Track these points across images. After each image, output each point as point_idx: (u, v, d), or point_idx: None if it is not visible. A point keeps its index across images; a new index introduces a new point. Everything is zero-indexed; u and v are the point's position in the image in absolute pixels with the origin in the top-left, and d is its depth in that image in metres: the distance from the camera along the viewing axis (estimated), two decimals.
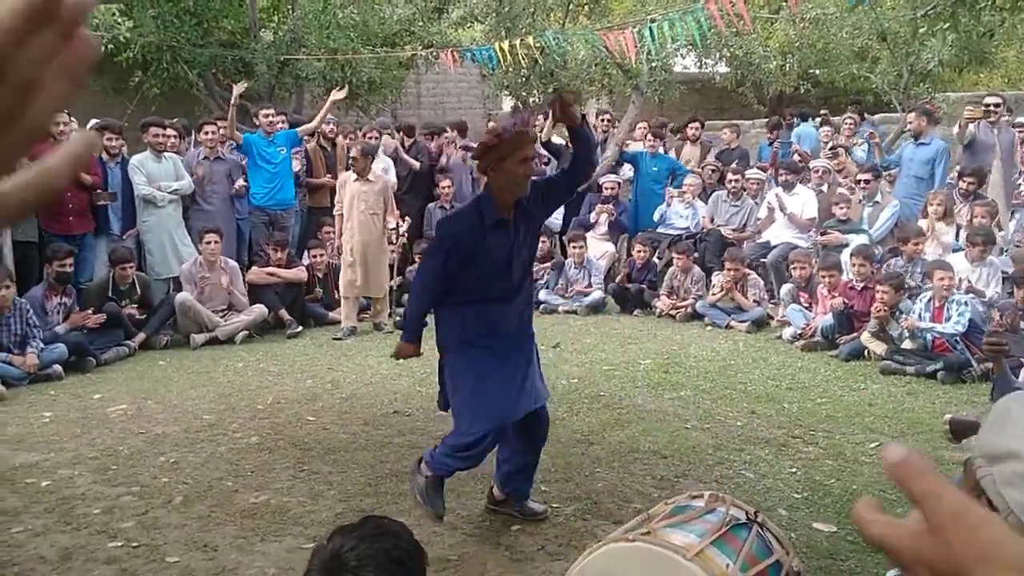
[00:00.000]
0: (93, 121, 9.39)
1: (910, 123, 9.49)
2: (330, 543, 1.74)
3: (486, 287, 3.72)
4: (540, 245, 9.53)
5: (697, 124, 11.38)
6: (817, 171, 9.78)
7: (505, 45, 8.92)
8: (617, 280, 9.44)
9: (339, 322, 8.44)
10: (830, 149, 10.23)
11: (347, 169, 8.83)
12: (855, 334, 7.21)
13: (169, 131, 9.01)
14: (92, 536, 3.96)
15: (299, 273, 8.76)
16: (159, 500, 4.36)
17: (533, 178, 3.74)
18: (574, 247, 9.50)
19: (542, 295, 9.44)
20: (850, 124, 11.01)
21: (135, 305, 8.03)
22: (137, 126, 9.62)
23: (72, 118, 8.90)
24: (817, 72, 15.93)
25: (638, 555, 2.06)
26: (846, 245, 8.58)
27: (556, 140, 11.28)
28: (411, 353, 3.97)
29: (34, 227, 8.25)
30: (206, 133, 9.14)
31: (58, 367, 7.01)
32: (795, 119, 12.63)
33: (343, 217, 8.33)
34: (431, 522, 3.84)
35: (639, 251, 9.40)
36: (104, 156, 8.70)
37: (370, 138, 10.55)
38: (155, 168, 8.67)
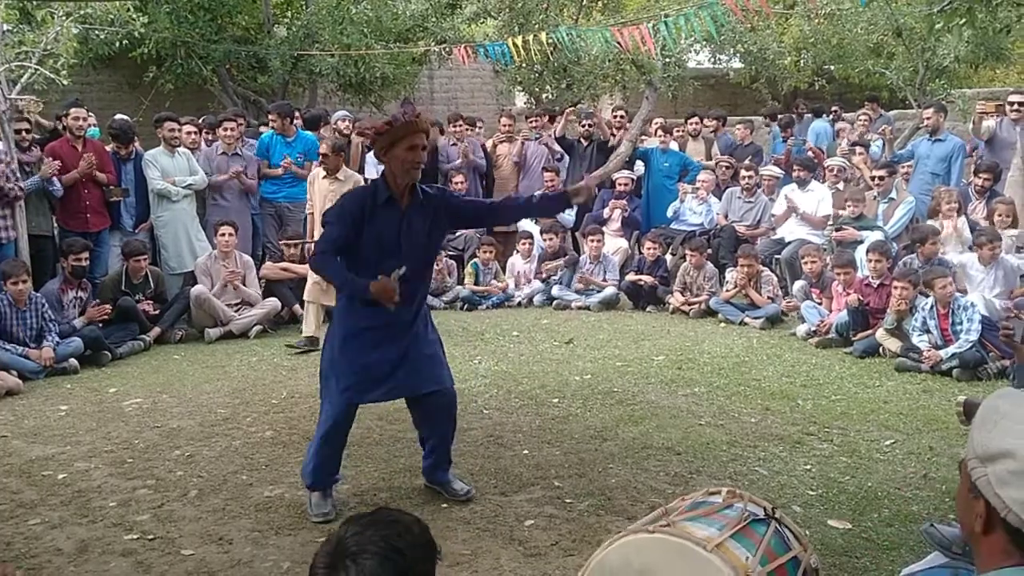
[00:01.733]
0: (118, 117, 9.45)
1: (927, 119, 9.42)
2: (338, 531, 1.75)
3: (375, 264, 3.86)
4: (551, 242, 9.66)
5: (697, 119, 11.36)
6: (832, 169, 9.74)
7: (518, 41, 8.89)
8: (628, 277, 9.43)
9: None
10: (851, 145, 10.16)
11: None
12: (870, 331, 7.17)
13: (187, 127, 9.04)
14: (108, 528, 3.98)
15: None
16: (174, 493, 4.38)
17: (463, 195, 3.91)
18: (592, 241, 9.49)
19: (555, 291, 9.44)
20: (864, 120, 10.95)
21: (149, 300, 8.07)
22: (151, 121, 9.68)
23: (90, 113, 8.96)
24: (832, 68, 15.86)
25: (659, 546, 2.05)
26: (861, 242, 8.55)
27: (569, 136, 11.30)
28: (386, 289, 3.76)
29: (48, 221, 8.31)
30: (226, 129, 9.16)
31: (74, 361, 7.05)
32: (808, 114, 12.62)
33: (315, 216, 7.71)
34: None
35: (649, 248, 9.38)
36: (120, 152, 8.75)
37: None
38: (169, 163, 8.70)
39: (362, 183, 7.22)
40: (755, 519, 2.10)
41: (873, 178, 9.12)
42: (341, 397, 4.00)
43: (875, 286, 7.39)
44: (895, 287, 7.00)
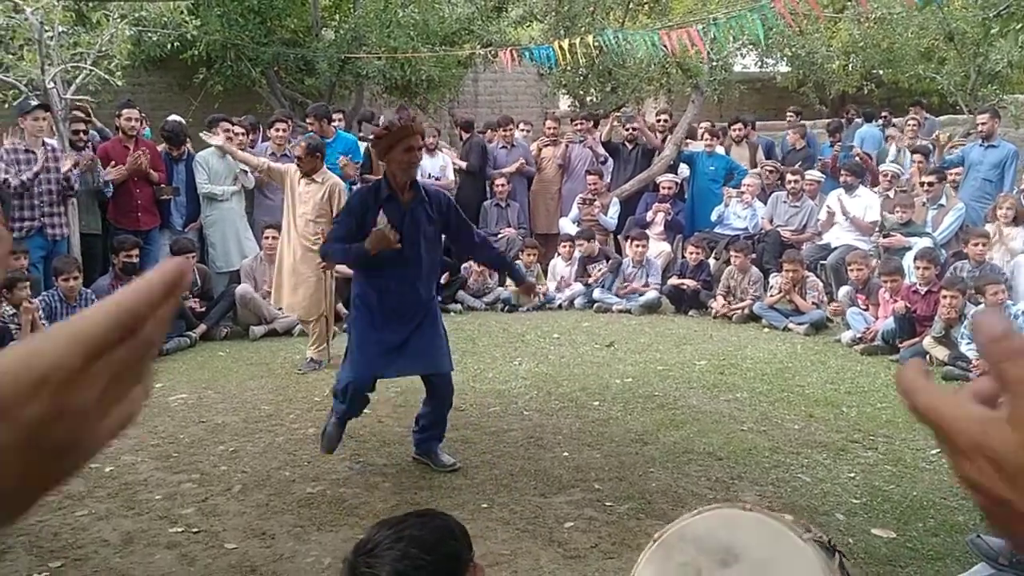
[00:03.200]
0: (171, 118, 9.61)
1: (982, 124, 9.22)
2: (364, 536, 1.76)
3: (379, 255, 4.39)
4: (588, 245, 9.63)
5: (740, 125, 11.25)
6: (887, 175, 9.60)
7: (564, 44, 8.89)
8: (670, 281, 9.37)
9: None
10: (912, 152, 9.95)
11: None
12: (917, 339, 7.06)
13: (236, 128, 9.17)
14: (154, 521, 4.05)
15: None
16: (219, 488, 4.45)
17: (458, 211, 4.71)
18: (637, 245, 9.44)
19: (596, 294, 9.41)
20: (913, 125, 10.77)
21: (196, 298, 8.19)
22: (201, 122, 9.82)
23: (142, 113, 9.12)
24: (881, 72, 15.64)
25: (753, 523, 1.94)
26: (909, 248, 8.42)
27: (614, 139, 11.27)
28: (381, 237, 4.37)
29: (98, 219, 8.48)
30: (277, 130, 9.26)
31: None
32: (857, 118, 12.43)
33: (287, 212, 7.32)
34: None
35: (692, 252, 9.31)
36: (172, 153, 8.91)
37: (429, 137, 10.63)
38: (219, 164, 8.82)
39: (341, 186, 7.02)
40: (822, 543, 2.05)
41: (922, 184, 8.97)
42: (356, 369, 4.57)
43: (923, 293, 7.27)
44: (944, 295, 6.88)
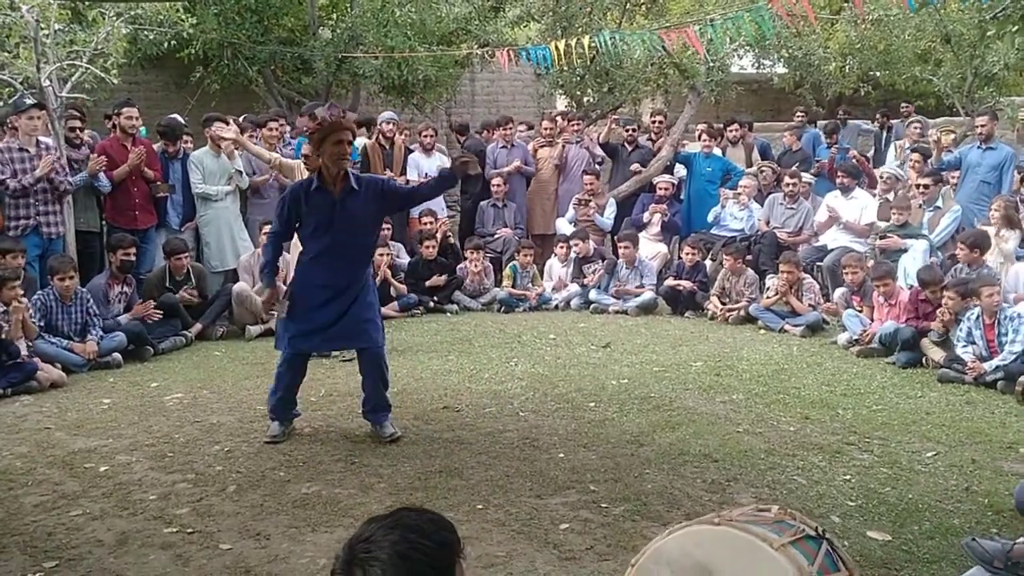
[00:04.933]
0: (170, 116, 9.58)
1: (981, 125, 9.19)
2: (355, 533, 1.75)
3: (314, 242, 4.99)
4: (584, 245, 9.59)
5: (736, 126, 11.25)
6: (883, 177, 9.60)
7: (561, 44, 8.88)
8: (666, 282, 9.37)
9: (391, 316, 8.50)
10: (911, 150, 9.94)
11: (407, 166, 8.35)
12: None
13: (232, 126, 9.13)
14: (148, 521, 4.04)
15: None
16: (213, 488, 4.44)
17: (389, 180, 5.42)
18: (624, 247, 9.44)
19: (592, 295, 9.41)
20: (916, 128, 10.74)
21: (190, 293, 8.15)
22: (198, 120, 9.80)
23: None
24: (878, 74, 15.64)
25: (723, 539, 1.96)
26: (905, 250, 8.42)
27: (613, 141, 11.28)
28: (268, 296, 5.46)
29: (96, 217, 8.48)
30: (271, 129, 9.25)
31: (117, 355, 7.17)
32: (852, 120, 12.46)
33: None
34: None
35: (688, 253, 9.32)
36: (168, 150, 8.88)
37: (425, 136, 10.62)
38: (213, 164, 8.80)
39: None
40: (808, 535, 2.05)
41: (918, 186, 8.98)
42: (288, 345, 5.09)
43: (934, 306, 7.14)
44: (944, 296, 6.88)
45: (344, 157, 4.93)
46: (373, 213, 5.11)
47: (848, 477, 4.53)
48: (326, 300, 5.00)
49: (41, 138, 7.77)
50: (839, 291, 8.26)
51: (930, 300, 7.13)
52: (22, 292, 6.66)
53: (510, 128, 10.90)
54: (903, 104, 13.19)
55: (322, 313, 5.00)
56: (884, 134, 12.39)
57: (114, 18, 8.68)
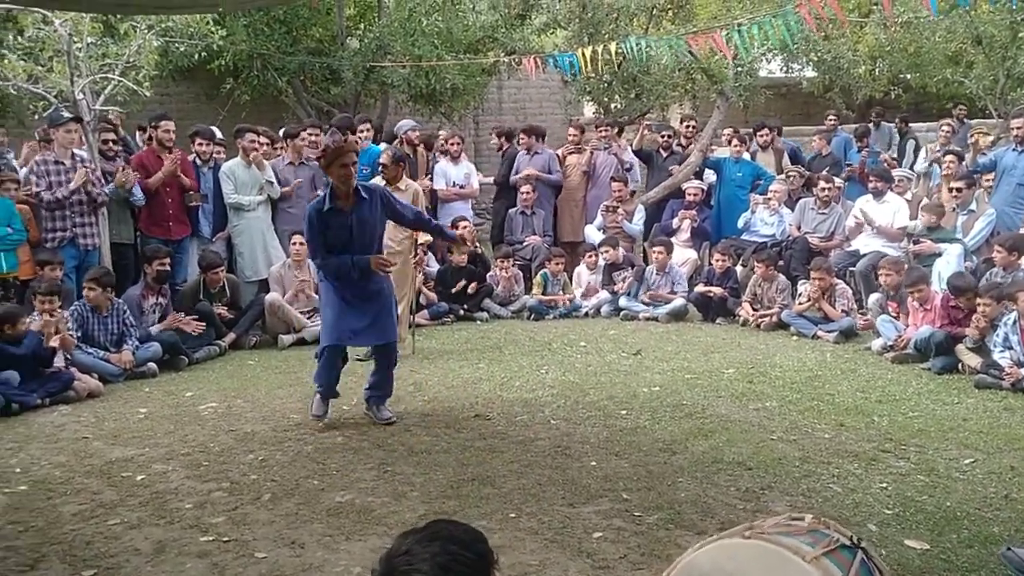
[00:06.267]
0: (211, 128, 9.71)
1: (1017, 128, 9.05)
2: (391, 547, 1.76)
3: (338, 251, 5.48)
4: (614, 252, 9.58)
5: (765, 130, 11.18)
6: (897, 180, 9.54)
7: (588, 51, 8.88)
8: (696, 288, 9.32)
9: (422, 325, 8.54)
10: (944, 153, 9.84)
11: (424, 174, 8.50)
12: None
13: (261, 138, 9.23)
14: (184, 530, 4.08)
15: None
16: (248, 496, 4.47)
17: (400, 199, 6.05)
18: (657, 252, 9.41)
19: (622, 302, 9.38)
20: (946, 131, 10.63)
21: (224, 307, 8.24)
22: (229, 132, 9.90)
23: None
24: (908, 77, 15.51)
25: (755, 552, 1.95)
26: (939, 254, 8.33)
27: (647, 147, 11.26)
28: (382, 262, 5.64)
29: (130, 229, 8.57)
30: (303, 140, 9.33)
31: (152, 365, 7.25)
32: (883, 123, 12.34)
33: None
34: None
35: (718, 260, 9.25)
36: (198, 160, 8.97)
37: (452, 144, 10.65)
38: (244, 174, 8.88)
39: (420, 193, 7.45)
40: (843, 545, 2.03)
41: (950, 190, 8.87)
42: (329, 337, 5.64)
43: (965, 312, 7.07)
44: (979, 303, 6.79)
45: (351, 176, 5.45)
46: (382, 217, 5.67)
47: (884, 485, 4.48)
48: (357, 302, 5.59)
49: (76, 151, 7.89)
50: (873, 296, 8.17)
51: (961, 306, 7.05)
52: (58, 304, 6.76)
53: (533, 137, 10.81)
54: (959, 106, 12.96)
55: (354, 314, 5.60)
56: (900, 139, 12.30)
57: (145, 31, 8.80)
